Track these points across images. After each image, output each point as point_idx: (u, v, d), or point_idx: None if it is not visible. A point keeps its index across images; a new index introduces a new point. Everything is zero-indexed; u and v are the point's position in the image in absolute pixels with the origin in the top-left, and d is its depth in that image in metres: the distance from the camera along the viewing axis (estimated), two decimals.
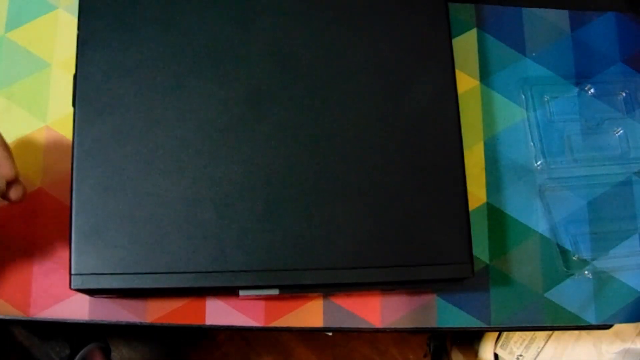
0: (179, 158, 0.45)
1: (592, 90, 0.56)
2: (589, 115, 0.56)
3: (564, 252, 0.53)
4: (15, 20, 0.53)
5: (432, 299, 0.51)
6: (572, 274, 0.52)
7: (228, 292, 0.47)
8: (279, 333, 0.79)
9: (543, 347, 0.63)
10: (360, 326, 0.50)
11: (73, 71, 0.47)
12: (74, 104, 0.46)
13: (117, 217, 0.44)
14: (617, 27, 0.58)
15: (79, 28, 0.47)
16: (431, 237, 0.46)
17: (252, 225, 0.44)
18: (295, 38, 0.48)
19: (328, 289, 0.47)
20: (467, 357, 0.71)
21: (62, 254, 0.49)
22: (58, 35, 0.53)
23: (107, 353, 0.63)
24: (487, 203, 0.53)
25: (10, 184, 0.42)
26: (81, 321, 0.48)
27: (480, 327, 0.51)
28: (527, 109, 0.55)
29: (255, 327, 0.50)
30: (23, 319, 0.48)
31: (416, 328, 0.51)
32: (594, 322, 0.52)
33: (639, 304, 0.52)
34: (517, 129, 0.55)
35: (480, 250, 0.52)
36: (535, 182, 0.54)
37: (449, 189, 0.47)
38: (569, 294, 0.52)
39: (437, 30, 0.50)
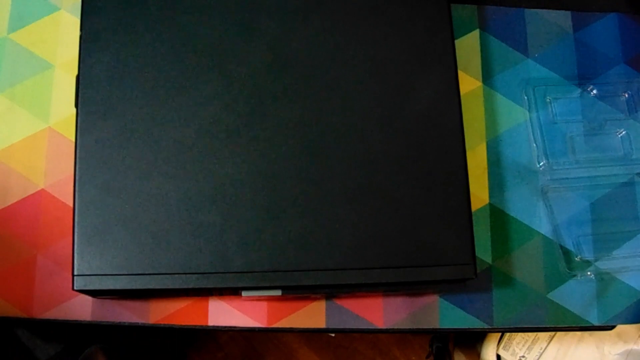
0: (181, 159, 0.45)
1: (594, 92, 0.56)
2: (591, 117, 0.56)
3: (566, 253, 0.53)
4: (17, 22, 0.53)
5: (435, 300, 0.51)
6: (574, 275, 0.52)
7: (231, 292, 0.47)
8: (281, 334, 0.79)
9: (545, 348, 0.63)
10: (362, 327, 0.50)
11: (76, 72, 0.47)
12: (76, 105, 0.46)
13: (120, 218, 0.44)
14: (619, 28, 0.58)
15: (81, 29, 0.47)
16: (434, 238, 0.46)
17: (254, 226, 0.44)
18: (297, 39, 0.48)
19: (331, 290, 0.47)
20: (469, 358, 0.71)
21: (65, 255, 0.49)
22: (61, 36, 0.53)
23: (109, 354, 0.63)
24: (490, 204, 0.53)
25: None
26: (84, 322, 0.48)
27: (483, 328, 0.51)
28: (529, 110, 0.55)
29: (257, 328, 0.50)
30: (26, 319, 0.48)
31: (418, 329, 0.51)
32: (596, 323, 0.52)
33: None
34: (519, 130, 0.55)
35: (483, 251, 0.52)
36: (538, 183, 0.54)
37: (451, 190, 0.47)
38: (572, 295, 0.52)
39: (439, 32, 0.50)
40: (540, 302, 0.52)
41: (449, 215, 0.46)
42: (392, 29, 0.49)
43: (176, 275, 0.43)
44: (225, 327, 0.50)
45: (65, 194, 0.50)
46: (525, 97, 0.56)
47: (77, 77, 0.46)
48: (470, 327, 0.51)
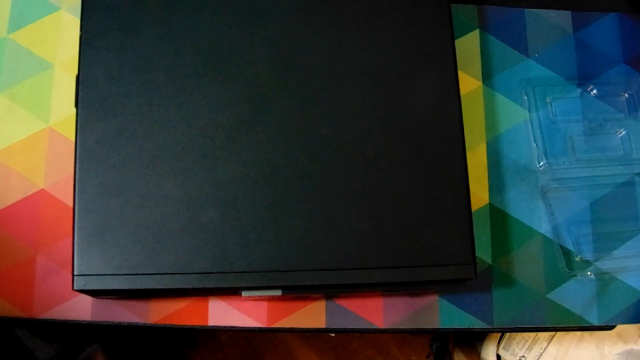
0: (181, 159, 0.45)
1: (594, 91, 0.56)
2: (591, 116, 0.56)
3: (566, 253, 0.53)
4: (17, 22, 0.53)
5: (435, 300, 0.51)
6: (574, 275, 0.52)
7: (231, 292, 0.47)
8: (281, 334, 0.79)
9: (545, 348, 0.63)
10: (362, 327, 0.50)
11: (76, 72, 0.47)
12: (76, 105, 0.46)
13: (119, 218, 0.44)
14: (619, 28, 0.58)
15: (81, 29, 0.47)
16: (434, 238, 0.46)
17: (254, 226, 0.44)
18: (297, 39, 0.48)
19: (331, 290, 0.47)
20: (469, 358, 0.71)
21: (65, 255, 0.49)
22: (60, 36, 0.53)
23: (109, 354, 0.63)
24: (490, 204, 0.53)
25: None
26: (84, 322, 0.48)
27: (483, 328, 0.51)
28: (529, 110, 0.55)
29: (257, 328, 0.50)
30: (26, 319, 0.48)
31: (418, 329, 0.51)
32: (596, 323, 0.52)
33: None
34: (519, 129, 0.55)
35: (483, 251, 0.52)
36: (538, 183, 0.54)
37: (451, 190, 0.47)
38: (572, 294, 0.52)
39: (439, 32, 0.50)
40: (540, 302, 0.52)
41: (449, 215, 0.46)
42: (392, 28, 0.49)
43: (176, 275, 0.43)
44: (225, 327, 0.50)
45: (65, 194, 0.50)
46: (525, 97, 0.56)
47: (77, 77, 0.46)
48: (470, 327, 0.51)
